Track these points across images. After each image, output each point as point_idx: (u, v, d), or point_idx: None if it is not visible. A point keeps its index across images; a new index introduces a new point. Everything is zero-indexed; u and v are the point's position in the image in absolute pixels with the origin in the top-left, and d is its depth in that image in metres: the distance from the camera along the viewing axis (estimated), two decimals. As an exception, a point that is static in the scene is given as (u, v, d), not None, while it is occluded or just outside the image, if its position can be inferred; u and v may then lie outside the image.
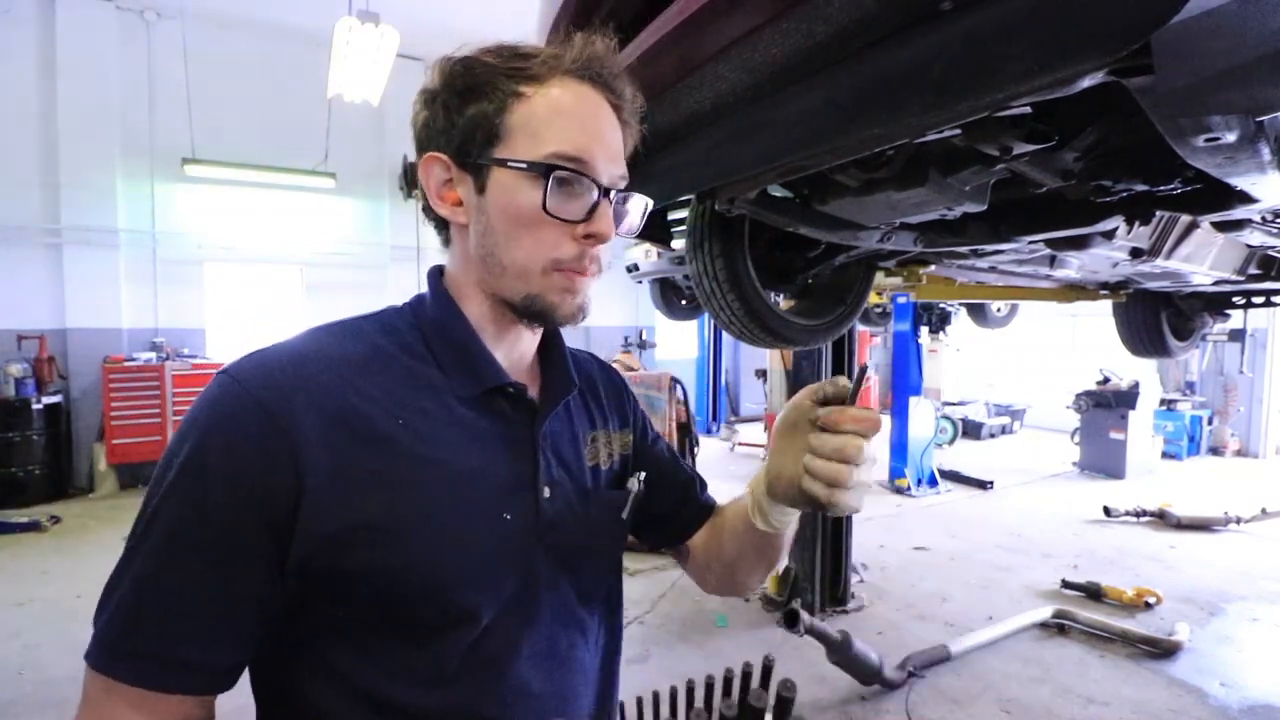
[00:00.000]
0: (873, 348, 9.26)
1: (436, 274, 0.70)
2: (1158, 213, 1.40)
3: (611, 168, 0.61)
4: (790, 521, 0.71)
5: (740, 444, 8.18)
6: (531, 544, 0.63)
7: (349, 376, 0.57)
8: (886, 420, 6.84)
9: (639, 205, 0.69)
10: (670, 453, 0.87)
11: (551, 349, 0.75)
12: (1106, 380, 7.27)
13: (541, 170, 0.58)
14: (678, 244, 2.09)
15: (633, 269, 4.50)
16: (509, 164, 0.59)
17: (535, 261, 0.60)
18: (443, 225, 0.66)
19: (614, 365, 0.89)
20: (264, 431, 0.52)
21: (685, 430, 4.70)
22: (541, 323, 0.65)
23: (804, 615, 2.42)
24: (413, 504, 0.56)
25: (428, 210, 0.65)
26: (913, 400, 6.16)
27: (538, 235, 0.59)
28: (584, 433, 0.74)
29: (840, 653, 2.61)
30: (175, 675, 0.51)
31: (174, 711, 0.52)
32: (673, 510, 0.84)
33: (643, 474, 0.77)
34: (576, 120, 0.59)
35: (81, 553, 4.31)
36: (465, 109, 0.60)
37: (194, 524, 0.51)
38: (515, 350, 0.69)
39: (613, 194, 0.62)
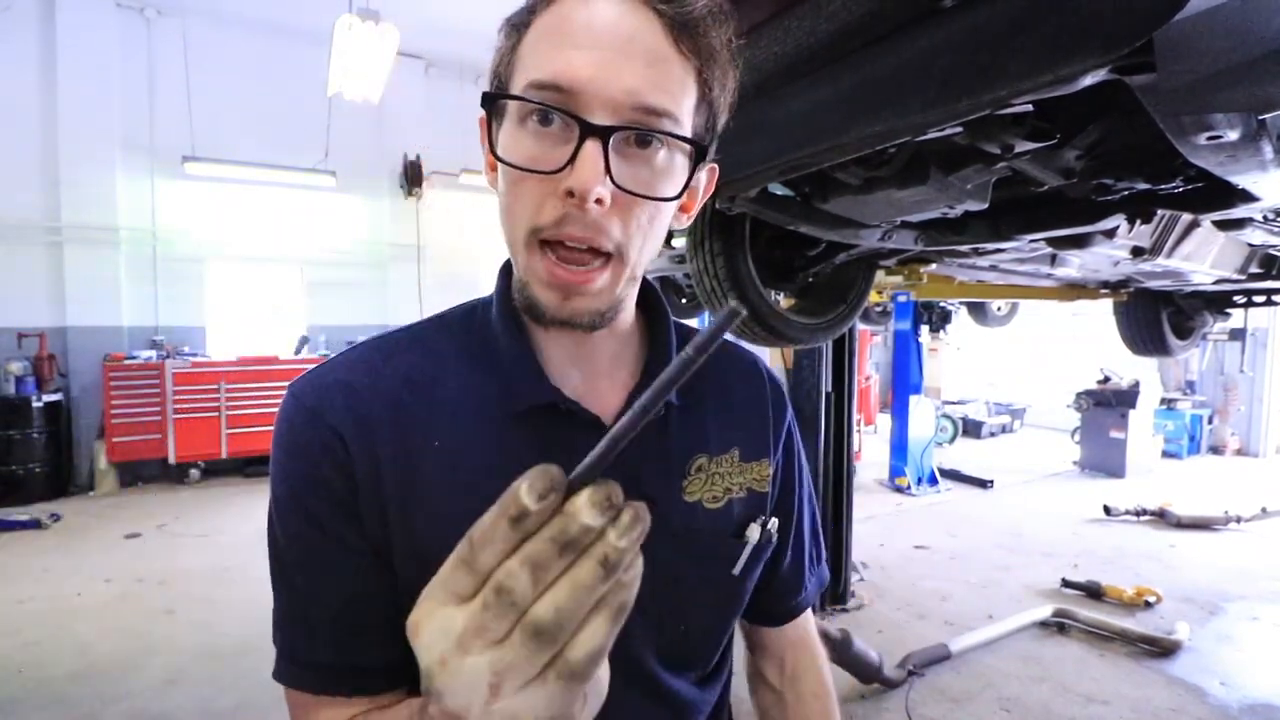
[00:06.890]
0: (873, 346, 9.25)
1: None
2: (1159, 211, 1.40)
3: (616, 95, 0.43)
4: None
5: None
6: None
7: (392, 386, 0.51)
8: (887, 419, 6.85)
9: (675, 157, 0.47)
10: (810, 516, 0.70)
11: (656, 345, 0.58)
12: (1107, 379, 7.26)
13: (487, 104, 0.47)
14: (678, 242, 2.08)
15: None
16: (484, 108, 0.49)
17: (516, 232, 0.47)
18: None
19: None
20: (326, 440, 0.49)
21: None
22: (544, 325, 0.51)
23: (804, 614, 2.44)
24: (421, 541, 0.49)
25: None
26: (913, 399, 6.16)
27: (520, 195, 0.46)
28: (684, 457, 0.58)
29: (840, 651, 2.61)
30: (351, 680, 0.50)
31: (366, 705, 0.50)
32: (769, 594, 0.67)
33: (774, 521, 0.62)
34: (567, 37, 0.44)
35: (82, 551, 4.31)
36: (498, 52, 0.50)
37: (315, 540, 0.49)
38: (584, 350, 0.55)
39: (613, 134, 0.43)
